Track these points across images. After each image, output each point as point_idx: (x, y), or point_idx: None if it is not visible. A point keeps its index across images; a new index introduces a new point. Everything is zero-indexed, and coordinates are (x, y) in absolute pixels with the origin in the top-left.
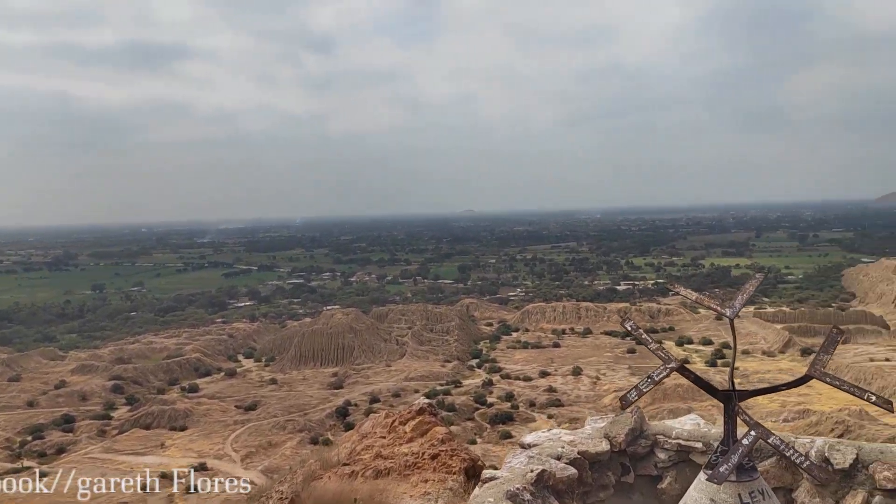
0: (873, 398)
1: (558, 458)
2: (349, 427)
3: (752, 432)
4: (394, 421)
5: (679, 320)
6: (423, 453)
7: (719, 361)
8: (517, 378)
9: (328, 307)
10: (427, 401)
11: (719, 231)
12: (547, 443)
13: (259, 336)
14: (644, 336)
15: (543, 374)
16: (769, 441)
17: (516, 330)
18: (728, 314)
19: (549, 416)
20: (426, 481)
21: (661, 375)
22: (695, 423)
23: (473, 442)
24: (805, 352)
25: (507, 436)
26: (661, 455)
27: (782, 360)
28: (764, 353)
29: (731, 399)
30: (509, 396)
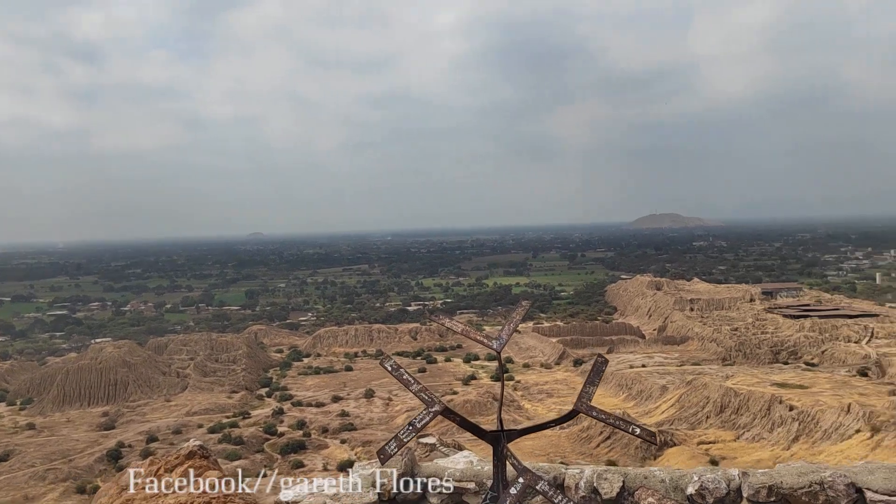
0: (637, 431)
1: None
2: (122, 470)
3: (521, 479)
4: (159, 468)
5: (464, 339)
6: (193, 503)
7: (504, 376)
8: (309, 405)
9: (97, 340)
10: (197, 442)
11: (501, 252)
12: (308, 499)
13: (13, 376)
14: (406, 377)
15: (336, 399)
16: (537, 488)
17: (308, 355)
18: (494, 347)
19: (343, 441)
20: None
21: (423, 421)
22: (468, 460)
23: (264, 475)
24: (577, 362)
25: (300, 465)
26: (434, 500)
27: (558, 371)
28: (542, 365)
29: (499, 440)
30: (301, 424)
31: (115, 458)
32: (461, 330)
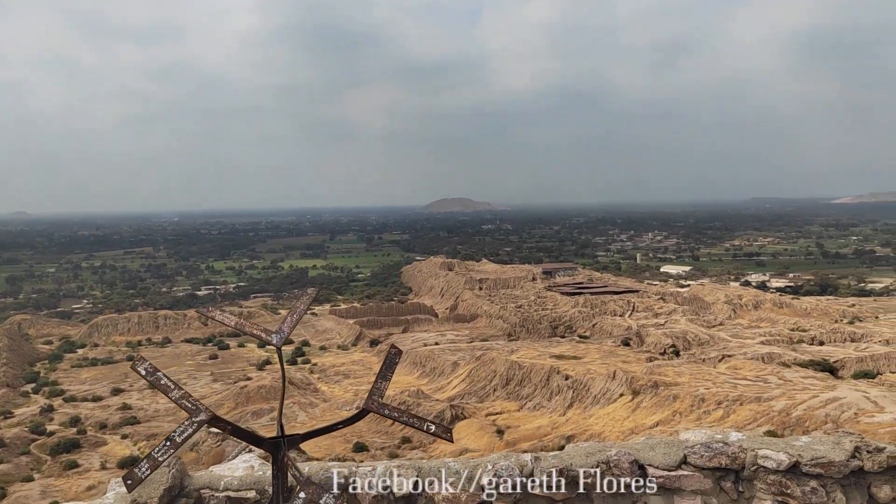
0: (433, 428)
1: None
2: None
3: (302, 494)
4: None
5: (261, 321)
6: None
7: (299, 359)
8: (85, 399)
9: None
10: None
11: (297, 234)
12: None
13: None
14: (164, 382)
15: (116, 392)
16: (321, 503)
17: (83, 346)
18: (274, 341)
19: (125, 437)
20: None
21: (185, 434)
22: (248, 465)
23: (30, 479)
24: (374, 343)
25: (74, 465)
26: None
27: (355, 352)
28: (339, 346)
29: (279, 448)
30: (75, 421)
31: None
32: (234, 324)
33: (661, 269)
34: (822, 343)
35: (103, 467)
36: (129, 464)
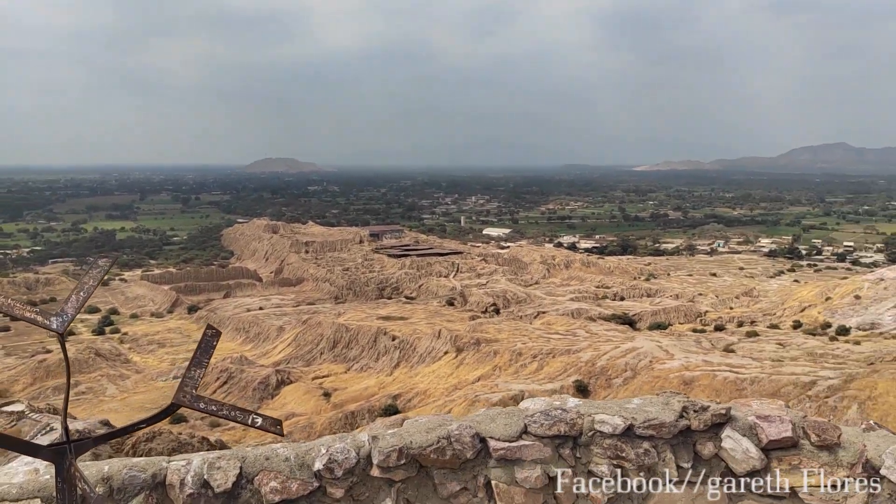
0: (259, 421)
1: None
2: None
3: None
4: None
5: (62, 290)
6: None
7: (107, 329)
8: None
9: None
10: None
11: (102, 193)
12: None
13: None
14: None
15: None
16: None
17: None
18: (55, 327)
19: None
20: None
21: None
22: (31, 468)
23: None
24: (192, 309)
25: None
26: None
27: (171, 320)
28: (153, 314)
29: (64, 456)
30: None
31: None
32: (1, 305)
33: (484, 232)
34: (622, 299)
35: None
36: None
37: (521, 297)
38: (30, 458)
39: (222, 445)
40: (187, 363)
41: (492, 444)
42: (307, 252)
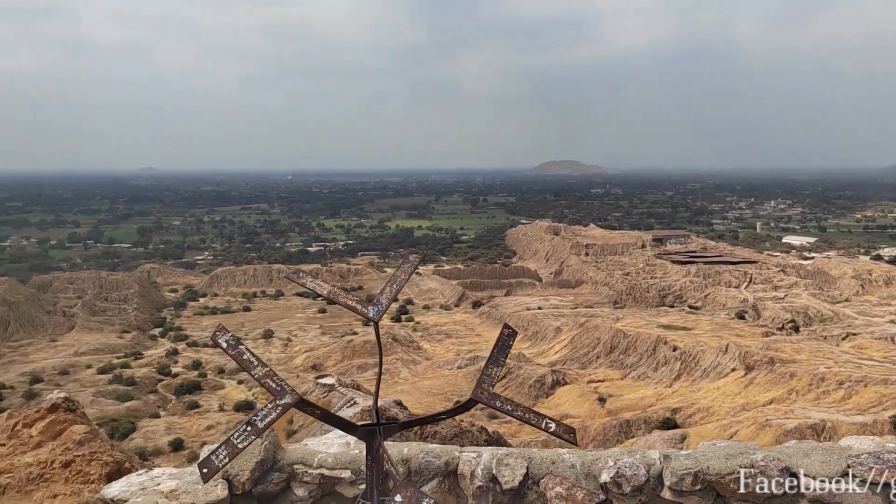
0: (552, 427)
1: None
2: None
3: (399, 497)
4: (17, 423)
5: (368, 279)
6: (53, 461)
7: (403, 317)
8: (205, 345)
9: None
10: (62, 394)
11: (404, 194)
12: (138, 496)
13: None
14: (247, 357)
15: None
16: None
17: (204, 295)
18: (371, 315)
19: (240, 382)
20: (55, 496)
21: (268, 419)
22: (343, 442)
23: (157, 415)
24: (476, 304)
25: (195, 405)
26: (300, 491)
27: (457, 313)
28: (442, 307)
29: (374, 437)
30: (196, 365)
31: None
32: (328, 293)
33: (784, 240)
34: None
35: (221, 409)
36: (243, 408)
37: (827, 314)
38: (341, 433)
39: (499, 437)
40: (484, 360)
41: (805, 481)
42: (587, 255)
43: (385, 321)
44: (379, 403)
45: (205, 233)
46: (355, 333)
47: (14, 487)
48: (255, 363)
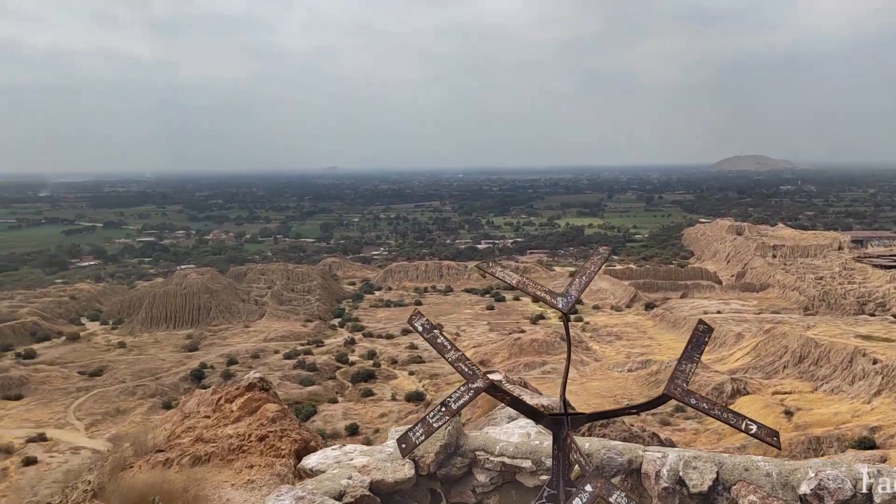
0: (753, 428)
1: (339, 498)
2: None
3: (589, 486)
4: (220, 398)
5: (536, 277)
6: (250, 435)
7: (571, 316)
8: (379, 336)
9: (182, 267)
10: (257, 374)
11: (575, 192)
12: (333, 468)
13: (105, 298)
14: (441, 341)
15: (405, 332)
16: (611, 500)
17: (379, 289)
18: (560, 306)
19: (411, 373)
20: (251, 467)
21: (461, 401)
22: (524, 432)
23: (335, 401)
24: (649, 306)
25: (369, 393)
26: (481, 477)
27: (629, 314)
28: (612, 307)
29: (562, 426)
30: (371, 354)
31: (199, 378)
32: (517, 283)
33: None
34: None
35: (393, 398)
36: (414, 398)
37: None
38: (522, 423)
39: (671, 445)
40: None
41: None
42: (774, 256)
43: (553, 320)
44: (546, 402)
45: (381, 229)
46: (523, 332)
47: (217, 456)
48: (449, 347)
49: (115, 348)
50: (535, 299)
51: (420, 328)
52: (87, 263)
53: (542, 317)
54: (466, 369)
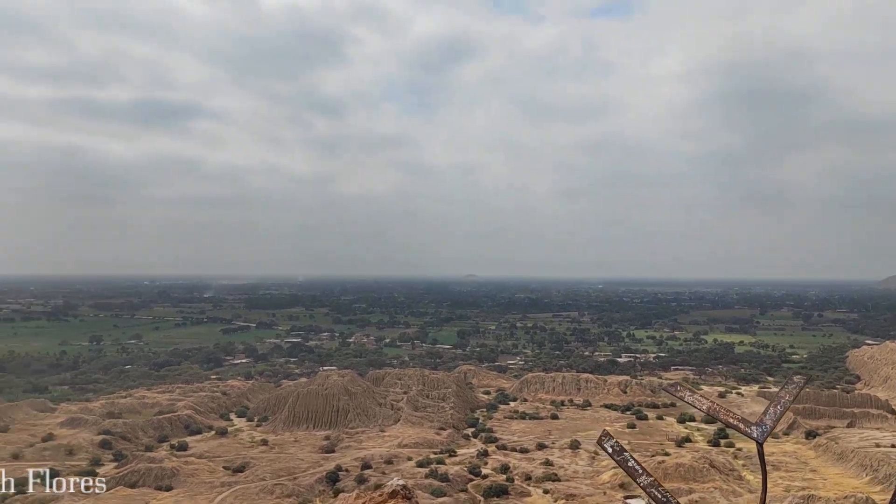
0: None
1: None
2: (338, 493)
3: None
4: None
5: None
6: None
7: (722, 441)
8: (513, 449)
9: (324, 368)
10: (401, 482)
11: (722, 306)
12: None
13: (253, 394)
14: (631, 464)
15: (540, 447)
16: None
17: (514, 399)
18: (755, 436)
19: (546, 492)
20: None
21: None
22: None
23: None
24: (810, 434)
25: None
26: None
27: (787, 441)
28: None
29: None
30: (505, 468)
31: (333, 481)
32: (707, 408)
33: None
34: None
35: None
36: None
37: None
38: None
39: None
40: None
41: None
42: None
43: (701, 444)
44: None
45: (517, 338)
46: (667, 454)
47: None
48: (640, 471)
49: (257, 445)
50: (728, 426)
51: (609, 449)
52: (239, 361)
53: (688, 439)
54: (660, 496)
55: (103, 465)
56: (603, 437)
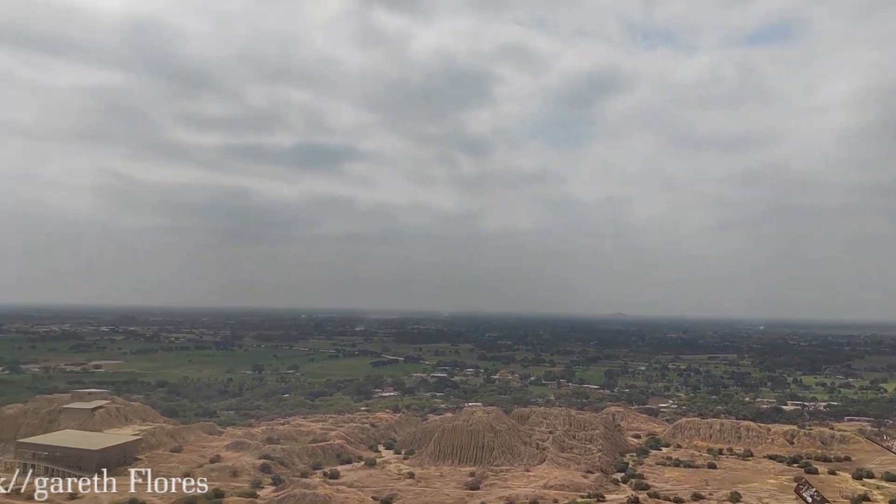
0: None
1: None
2: None
3: None
4: None
5: (857, 450)
6: None
7: None
8: (666, 498)
9: (469, 403)
10: None
11: None
12: None
13: (400, 427)
14: None
15: (696, 497)
16: None
17: (667, 445)
18: None
19: None
20: None
21: None
22: None
23: None
24: None
25: None
26: None
27: None
28: None
29: None
30: None
31: None
32: None
33: None
34: None
35: None
36: None
37: None
38: None
39: None
40: None
41: None
42: None
43: (881, 503)
44: None
45: (669, 380)
46: None
47: None
48: None
49: (404, 478)
50: None
51: (809, 499)
52: (387, 394)
53: (866, 498)
54: None
55: (263, 487)
56: (801, 486)
